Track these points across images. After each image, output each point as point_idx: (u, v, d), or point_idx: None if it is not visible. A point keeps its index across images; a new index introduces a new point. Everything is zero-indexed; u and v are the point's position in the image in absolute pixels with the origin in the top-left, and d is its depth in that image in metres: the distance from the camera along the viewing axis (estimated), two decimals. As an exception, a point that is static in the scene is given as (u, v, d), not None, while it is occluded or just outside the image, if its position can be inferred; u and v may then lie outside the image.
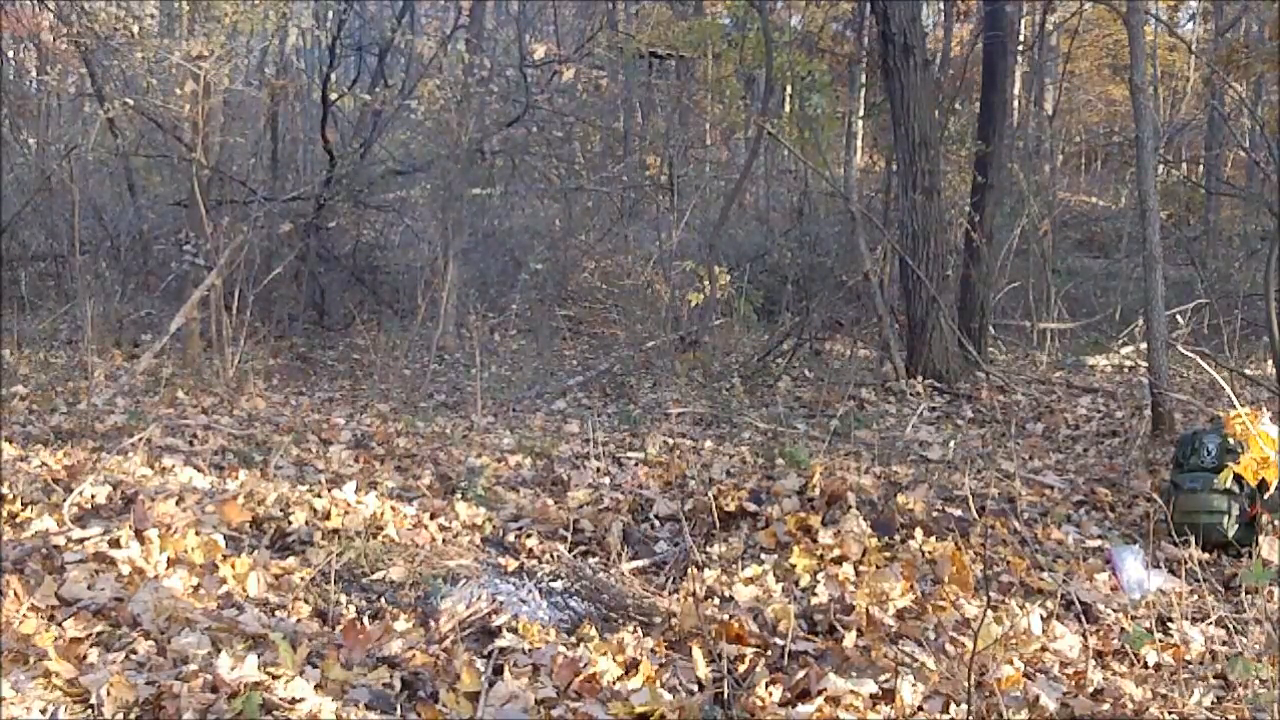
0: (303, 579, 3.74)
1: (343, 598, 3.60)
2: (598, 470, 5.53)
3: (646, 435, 6.43)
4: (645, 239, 13.08)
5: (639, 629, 3.44)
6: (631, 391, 8.20)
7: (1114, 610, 3.73)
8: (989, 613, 3.25)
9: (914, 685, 2.91)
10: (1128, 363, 9.36)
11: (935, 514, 4.69)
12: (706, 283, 9.45)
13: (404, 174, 11.55)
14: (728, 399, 7.76)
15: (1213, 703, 2.98)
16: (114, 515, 4.21)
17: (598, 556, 4.33)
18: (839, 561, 4.03)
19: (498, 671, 3.06)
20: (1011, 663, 3.03)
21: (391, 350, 9.00)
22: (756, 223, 13.84)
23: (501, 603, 3.56)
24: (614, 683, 2.98)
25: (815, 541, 4.21)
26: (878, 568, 3.97)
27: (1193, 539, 4.39)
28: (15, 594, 3.28)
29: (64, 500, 4.24)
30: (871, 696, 2.85)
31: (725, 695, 2.91)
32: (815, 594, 3.74)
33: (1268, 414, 4.84)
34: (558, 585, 3.82)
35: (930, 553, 4.11)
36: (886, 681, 2.92)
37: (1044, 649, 3.25)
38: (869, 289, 8.78)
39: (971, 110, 11.37)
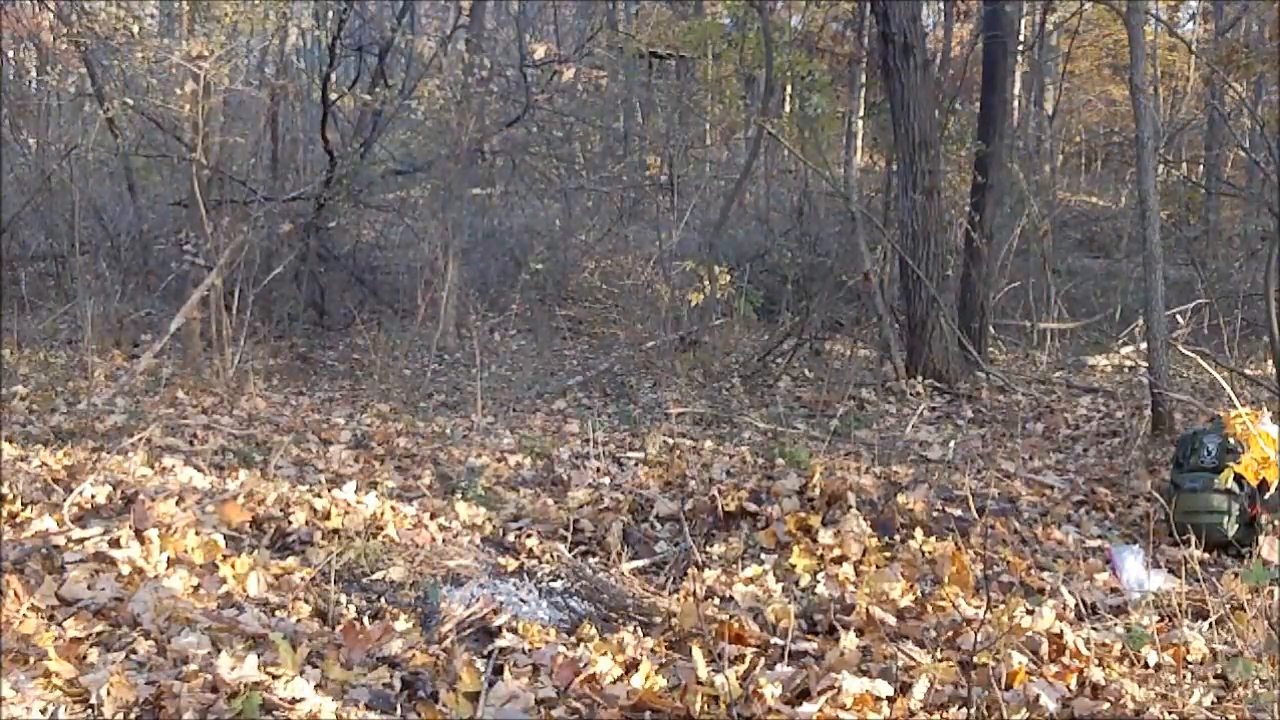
0: (303, 579, 3.74)
1: (343, 598, 3.60)
2: (598, 470, 5.53)
3: (646, 435, 6.43)
4: (645, 239, 13.07)
5: (639, 629, 3.44)
6: (631, 391, 8.21)
7: (1114, 610, 3.73)
8: (989, 612, 3.25)
9: (914, 685, 2.91)
10: (1128, 363, 9.36)
11: (935, 514, 4.69)
12: (706, 283, 9.45)
13: (404, 174, 11.55)
14: (728, 399, 7.76)
15: (1213, 703, 2.98)
16: (114, 515, 4.21)
17: (598, 556, 4.33)
18: (839, 561, 4.03)
19: (498, 671, 3.06)
20: (1012, 662, 3.03)
21: (391, 350, 9.00)
22: (756, 223, 13.83)
23: (501, 603, 3.56)
24: (614, 683, 2.98)
25: (815, 541, 4.21)
26: (878, 568, 3.97)
27: (1193, 539, 4.39)
28: (15, 594, 3.27)
29: (64, 500, 4.24)
30: (872, 697, 2.85)
31: (725, 695, 2.91)
32: (815, 594, 3.75)
33: (1268, 414, 4.84)
34: (558, 585, 3.82)
35: (930, 553, 4.11)
36: (887, 682, 2.92)
37: (1044, 648, 3.25)
38: (869, 289, 8.78)
39: (971, 110, 11.37)
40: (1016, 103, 15.20)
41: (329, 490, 4.64)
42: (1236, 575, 3.78)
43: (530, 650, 3.20)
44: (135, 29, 8.90)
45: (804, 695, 2.90)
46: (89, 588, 3.42)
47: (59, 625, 3.17)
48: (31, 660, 2.92)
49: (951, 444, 6.29)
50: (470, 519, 4.62)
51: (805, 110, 11.42)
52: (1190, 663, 3.24)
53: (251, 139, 10.84)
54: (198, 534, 3.92)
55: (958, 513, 4.71)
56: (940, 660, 3.12)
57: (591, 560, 4.25)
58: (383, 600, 3.66)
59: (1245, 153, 13.59)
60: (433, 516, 4.58)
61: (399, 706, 2.87)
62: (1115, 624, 3.56)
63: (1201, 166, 17.55)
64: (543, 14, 18.58)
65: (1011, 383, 8.17)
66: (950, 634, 3.33)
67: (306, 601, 3.54)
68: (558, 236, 13.20)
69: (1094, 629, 3.46)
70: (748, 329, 10.33)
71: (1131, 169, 12.32)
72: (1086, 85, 21.06)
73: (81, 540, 3.80)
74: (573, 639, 3.32)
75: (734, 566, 4.06)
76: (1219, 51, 14.42)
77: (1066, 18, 15.00)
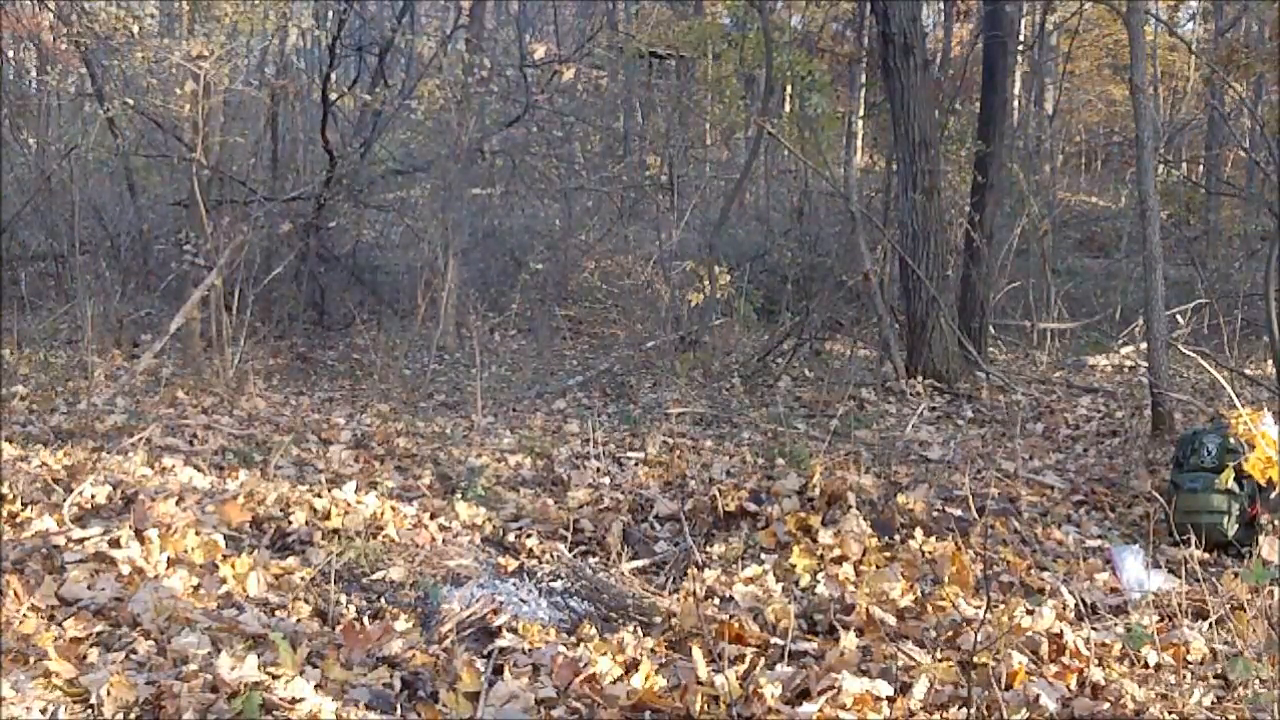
0: (303, 579, 3.74)
1: (343, 598, 3.60)
2: (598, 470, 5.53)
3: (646, 435, 6.43)
4: (645, 239, 13.08)
5: (639, 629, 3.44)
6: (631, 391, 8.20)
7: (1114, 610, 3.73)
8: (989, 613, 3.25)
9: (914, 685, 2.91)
10: (1128, 363, 9.36)
11: (935, 514, 4.69)
12: (706, 283, 9.45)
13: (404, 174, 11.54)
14: (728, 399, 7.76)
15: (1213, 703, 2.98)
16: (114, 515, 4.21)
17: (598, 556, 4.34)
18: (839, 561, 4.03)
19: (498, 671, 3.06)
20: (1012, 662, 3.03)
21: (391, 350, 9.00)
22: (756, 223, 13.83)
23: (501, 603, 3.57)
24: (614, 683, 2.98)
25: (815, 541, 4.21)
26: (878, 568, 3.97)
27: (1193, 539, 4.39)
28: (15, 594, 3.28)
29: (64, 500, 4.24)
30: (872, 697, 2.85)
31: (725, 695, 2.91)
32: (815, 594, 3.75)
33: (1269, 414, 4.84)
34: (558, 585, 3.82)
35: (930, 553, 4.11)
36: (887, 682, 2.92)
37: (1044, 648, 3.25)
38: (869, 289, 8.78)
39: (971, 110, 11.37)
40: (1016, 103, 15.21)
41: (329, 490, 4.64)
42: (1236, 575, 3.78)
43: (530, 650, 3.20)
44: (135, 29, 8.90)
45: (804, 695, 2.90)
46: (89, 588, 3.42)
47: (59, 625, 3.17)
48: (31, 660, 2.92)
49: (951, 444, 6.29)
50: (470, 519, 4.62)
51: (805, 110, 11.42)
52: (1190, 663, 3.24)
53: (251, 139, 10.84)
54: (198, 534, 3.92)
55: (958, 513, 4.71)
56: (940, 660, 3.12)
57: (591, 560, 4.26)
58: (383, 600, 3.66)
59: (1245, 153, 13.60)
60: (433, 516, 4.58)
61: (399, 706, 2.87)
62: (1115, 624, 3.57)
63: (1201, 166, 17.55)
64: (543, 14, 18.60)
65: (1011, 383, 8.17)
66: (950, 634, 3.33)
67: (306, 601, 3.54)
68: (558, 236, 13.20)
69: (1094, 629, 3.46)
70: (748, 329, 10.33)
71: (1131, 169, 12.31)
72: (1086, 85, 21.07)
73: (81, 540, 3.81)
74: (573, 639, 3.32)
75: (734, 566, 4.06)
76: (1219, 51, 14.42)
77: (1066, 18, 15.00)
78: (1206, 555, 4.36)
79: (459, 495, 4.94)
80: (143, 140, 10.63)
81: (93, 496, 4.37)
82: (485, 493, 5.03)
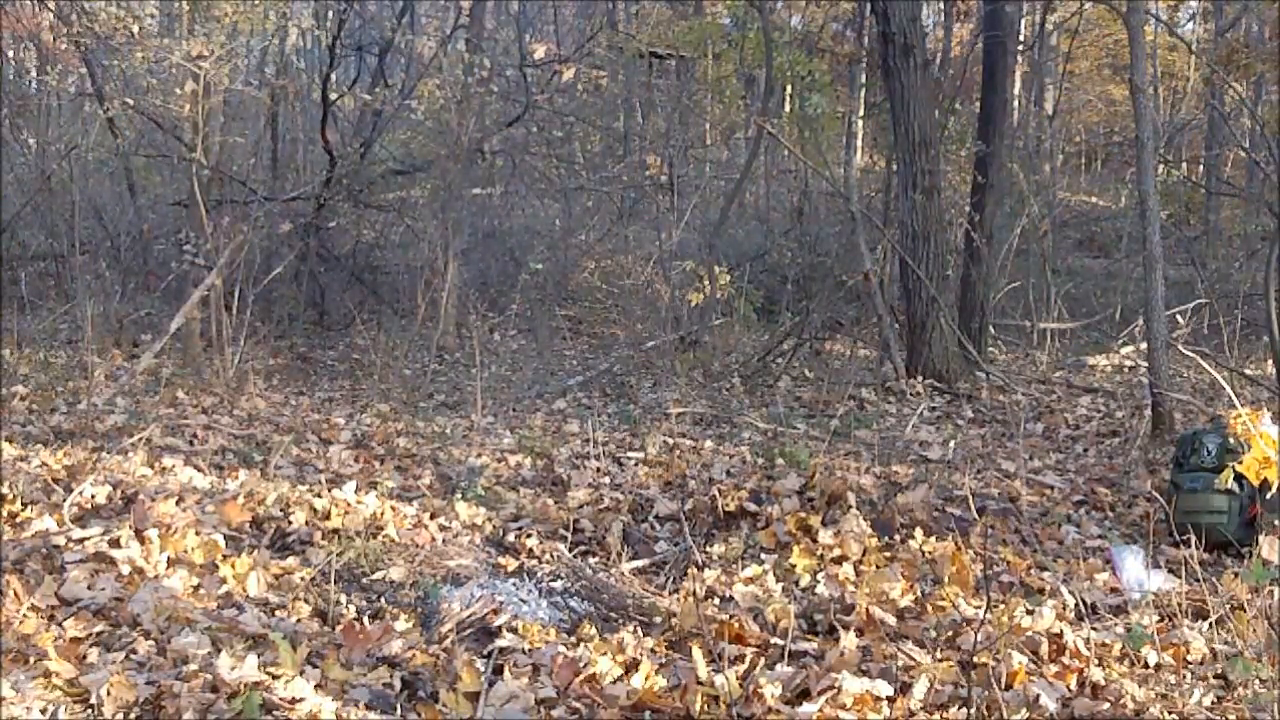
0: (303, 579, 3.74)
1: (343, 598, 3.60)
2: (598, 470, 5.53)
3: (646, 435, 6.43)
4: (645, 239, 13.07)
5: (639, 629, 3.44)
6: (631, 391, 8.21)
7: (1113, 610, 3.73)
8: (989, 612, 3.25)
9: (914, 685, 2.91)
10: (1128, 363, 9.35)
11: (935, 514, 4.69)
12: (706, 283, 9.45)
13: (404, 174, 11.55)
14: (728, 399, 7.76)
15: (1213, 703, 2.98)
16: (114, 515, 4.21)
17: (598, 556, 4.33)
18: (839, 561, 4.03)
19: (498, 671, 3.06)
20: (1012, 662, 3.03)
21: (391, 350, 9.00)
22: (756, 223, 13.83)
23: (501, 603, 3.57)
24: (614, 683, 2.98)
25: (815, 541, 4.21)
26: (878, 568, 3.97)
27: (1193, 539, 4.39)
28: (15, 594, 3.28)
29: (64, 500, 4.24)
30: (872, 697, 2.85)
31: (725, 695, 2.91)
32: (815, 594, 3.75)
33: (1268, 414, 4.84)
34: (558, 585, 3.82)
35: (930, 553, 4.11)
36: (887, 682, 2.91)
37: (1044, 648, 3.25)
38: (869, 289, 8.79)
39: (971, 110, 11.36)
40: (1016, 103, 15.20)
41: (329, 490, 4.64)
42: (1236, 575, 3.77)
43: (530, 650, 3.20)
44: (135, 29, 8.90)
45: (804, 695, 2.90)
46: (89, 588, 3.42)
47: (59, 625, 3.18)
48: (31, 660, 2.92)
49: (951, 444, 6.29)
50: (470, 519, 4.62)
51: (805, 110, 11.42)
52: (1190, 663, 3.24)
53: (251, 139, 10.85)
54: (198, 534, 3.92)
55: (958, 513, 4.71)
56: (940, 660, 3.12)
57: (591, 560, 4.26)
58: (383, 600, 3.66)
59: (1245, 153, 13.59)
60: (433, 516, 4.58)
61: (399, 706, 2.87)
62: (1115, 624, 3.56)
63: (1201, 166, 17.54)
64: (543, 14, 18.59)
65: (1011, 383, 8.17)
66: (950, 634, 3.33)
67: (306, 601, 3.54)
68: (558, 236, 13.20)
69: (1094, 629, 3.45)
70: (748, 329, 10.33)
71: (1131, 169, 12.32)
72: (1086, 85, 21.06)
73: (81, 540, 3.81)
74: (573, 639, 3.32)
75: (734, 566, 4.06)
76: (1219, 51, 14.42)
77: (1066, 18, 15.00)
78: (1206, 555, 4.36)
79: (459, 495, 4.95)
80: (143, 140, 10.64)
81: (93, 496, 4.37)
82: (485, 493, 5.03)
